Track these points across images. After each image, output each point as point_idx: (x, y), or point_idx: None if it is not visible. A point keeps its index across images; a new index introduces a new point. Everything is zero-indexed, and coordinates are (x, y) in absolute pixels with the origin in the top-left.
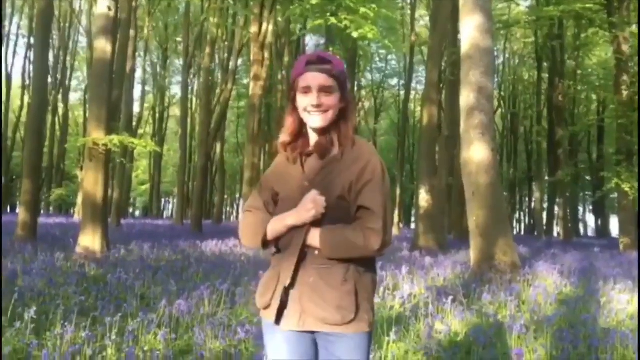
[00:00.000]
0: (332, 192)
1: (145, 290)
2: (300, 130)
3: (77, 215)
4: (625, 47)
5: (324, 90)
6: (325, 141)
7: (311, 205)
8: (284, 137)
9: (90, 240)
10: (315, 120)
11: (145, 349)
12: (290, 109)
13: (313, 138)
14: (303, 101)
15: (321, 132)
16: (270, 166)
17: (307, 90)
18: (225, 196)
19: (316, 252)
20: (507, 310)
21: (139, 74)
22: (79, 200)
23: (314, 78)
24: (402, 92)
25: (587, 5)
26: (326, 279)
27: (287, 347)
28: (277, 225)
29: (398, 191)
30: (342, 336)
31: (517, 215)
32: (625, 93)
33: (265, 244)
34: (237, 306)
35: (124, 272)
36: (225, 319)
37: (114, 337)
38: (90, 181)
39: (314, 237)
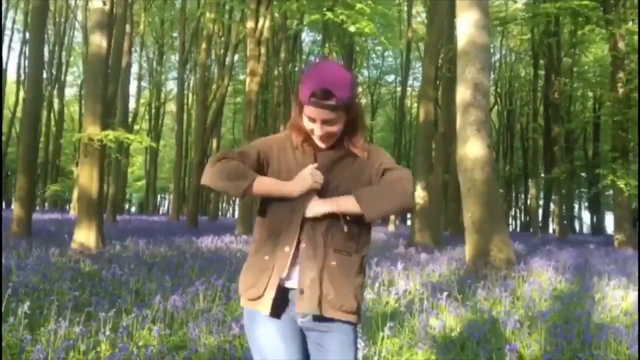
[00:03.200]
0: (361, 182)
1: (140, 285)
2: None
3: (73, 211)
4: (621, 44)
5: (327, 122)
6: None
7: (309, 176)
8: (298, 137)
9: (85, 236)
10: (321, 144)
11: (140, 344)
12: (297, 113)
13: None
14: (308, 125)
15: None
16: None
17: (311, 119)
18: None
19: (347, 218)
20: (502, 306)
21: (134, 69)
22: (74, 196)
23: (318, 113)
24: (399, 89)
25: (584, 2)
26: (345, 267)
27: (282, 340)
28: (271, 185)
29: None
30: (341, 329)
31: (512, 212)
32: (621, 90)
33: (246, 193)
34: (232, 302)
35: (119, 268)
36: (220, 314)
37: (108, 332)
38: (86, 177)
39: (347, 202)
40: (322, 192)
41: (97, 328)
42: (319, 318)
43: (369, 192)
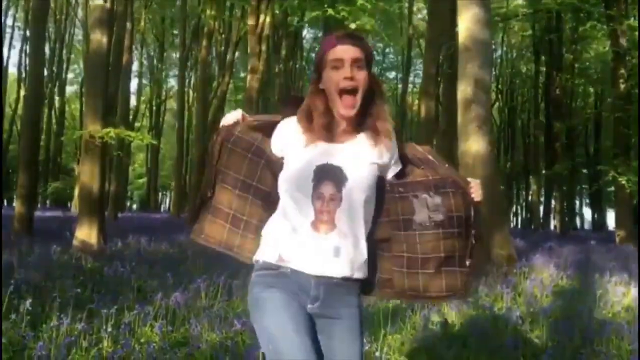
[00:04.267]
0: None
1: (142, 283)
2: (329, 112)
3: (74, 209)
4: (622, 40)
5: (356, 63)
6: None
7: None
8: (321, 118)
9: (87, 234)
10: (346, 103)
11: (142, 341)
12: (313, 89)
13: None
14: (333, 77)
15: (349, 118)
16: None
17: (338, 63)
18: None
19: None
20: (503, 302)
21: (135, 66)
22: (76, 193)
23: (346, 51)
24: (400, 86)
25: None
26: None
27: (294, 331)
28: None
29: None
30: (349, 315)
31: (514, 209)
32: (622, 86)
33: None
34: (234, 298)
35: (121, 265)
36: (221, 311)
37: (110, 329)
38: (87, 174)
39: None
40: None
41: (99, 325)
42: (329, 305)
43: None
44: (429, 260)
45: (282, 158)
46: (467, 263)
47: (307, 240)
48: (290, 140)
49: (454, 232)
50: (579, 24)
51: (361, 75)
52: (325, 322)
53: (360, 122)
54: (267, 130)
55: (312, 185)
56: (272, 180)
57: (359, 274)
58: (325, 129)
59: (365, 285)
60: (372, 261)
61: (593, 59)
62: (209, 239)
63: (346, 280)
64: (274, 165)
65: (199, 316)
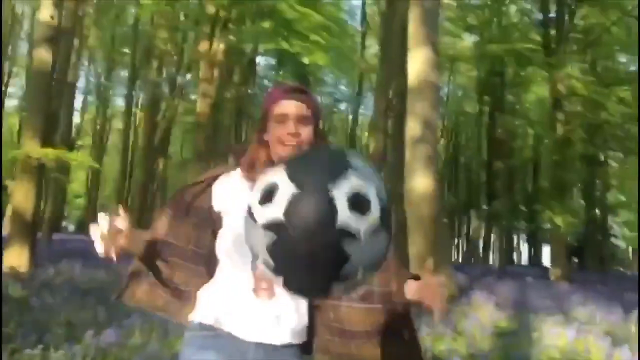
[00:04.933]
0: None
1: (72, 315)
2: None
3: (4, 229)
4: (561, 87)
5: (301, 120)
6: None
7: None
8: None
9: (16, 259)
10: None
11: None
12: (257, 139)
13: None
14: (277, 131)
15: None
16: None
17: (283, 118)
18: None
19: None
20: (444, 345)
21: (81, 83)
22: (7, 212)
23: (291, 106)
24: (350, 117)
25: (527, 46)
26: None
27: None
28: None
29: None
30: None
31: (455, 242)
32: (560, 130)
33: None
34: (170, 337)
35: (50, 296)
36: (156, 351)
37: None
38: (21, 195)
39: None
40: None
41: None
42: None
43: None
44: (356, 333)
45: (221, 214)
46: (406, 337)
47: (246, 306)
48: (230, 197)
49: (381, 308)
50: (521, 69)
51: (306, 132)
52: None
53: None
54: (205, 188)
55: None
56: (213, 240)
57: (299, 339)
58: None
59: (305, 346)
60: (312, 324)
61: (533, 102)
62: (142, 303)
63: (286, 346)
64: (215, 223)
65: (131, 357)
